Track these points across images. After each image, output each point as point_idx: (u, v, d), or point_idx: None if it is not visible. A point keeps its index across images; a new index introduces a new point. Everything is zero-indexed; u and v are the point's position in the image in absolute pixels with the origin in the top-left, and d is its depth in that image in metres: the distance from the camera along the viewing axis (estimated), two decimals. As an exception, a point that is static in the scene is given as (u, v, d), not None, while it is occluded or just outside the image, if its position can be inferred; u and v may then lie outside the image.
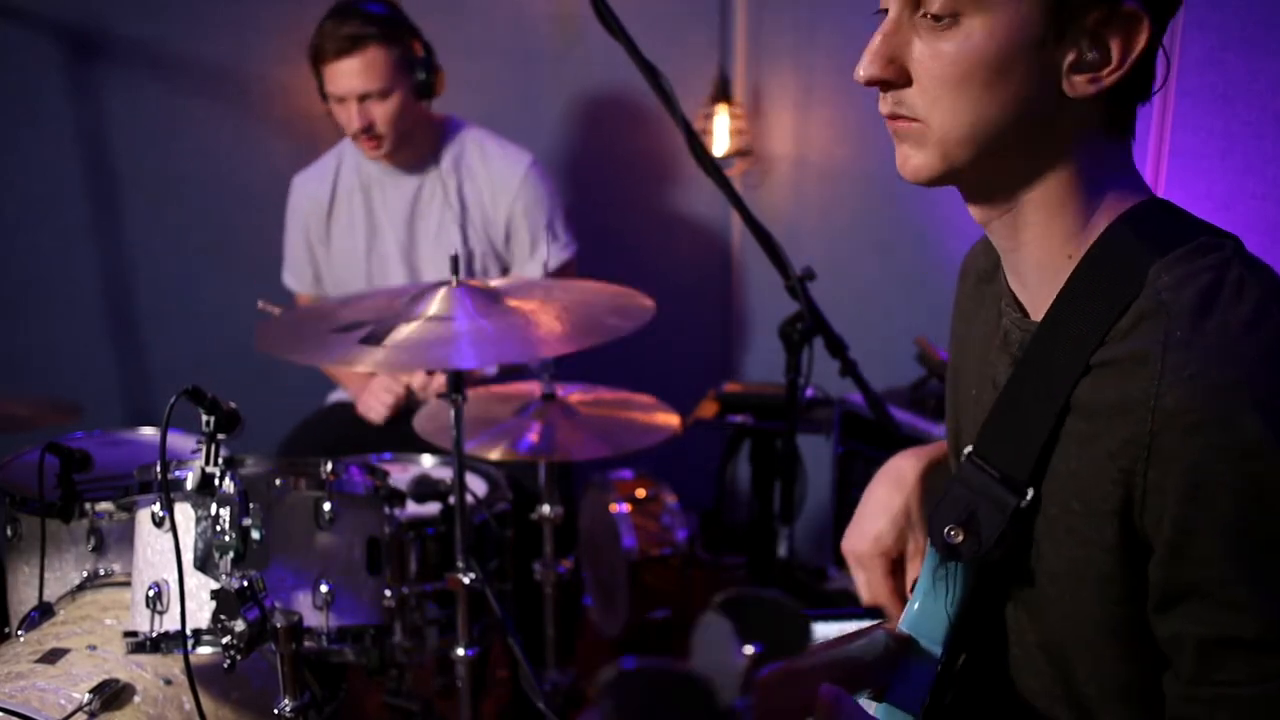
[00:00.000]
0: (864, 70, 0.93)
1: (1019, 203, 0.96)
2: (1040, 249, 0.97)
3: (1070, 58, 0.89)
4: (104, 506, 1.72)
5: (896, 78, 0.93)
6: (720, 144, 3.22)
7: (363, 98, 2.33)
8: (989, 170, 0.94)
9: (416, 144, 2.49)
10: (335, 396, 2.70)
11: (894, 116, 0.94)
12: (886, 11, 0.94)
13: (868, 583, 1.20)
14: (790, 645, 0.59)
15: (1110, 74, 0.89)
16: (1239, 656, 0.86)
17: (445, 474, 2.07)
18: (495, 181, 2.52)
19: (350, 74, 2.31)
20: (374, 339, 1.55)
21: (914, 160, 0.95)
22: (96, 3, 2.83)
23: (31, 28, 2.80)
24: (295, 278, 2.68)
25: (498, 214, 2.53)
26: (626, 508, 2.91)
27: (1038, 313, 0.98)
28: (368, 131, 2.37)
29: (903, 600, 1.19)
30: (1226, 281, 0.87)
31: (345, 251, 2.60)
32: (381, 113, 2.35)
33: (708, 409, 2.85)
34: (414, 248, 2.57)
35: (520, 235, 2.54)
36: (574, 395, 2.17)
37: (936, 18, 0.89)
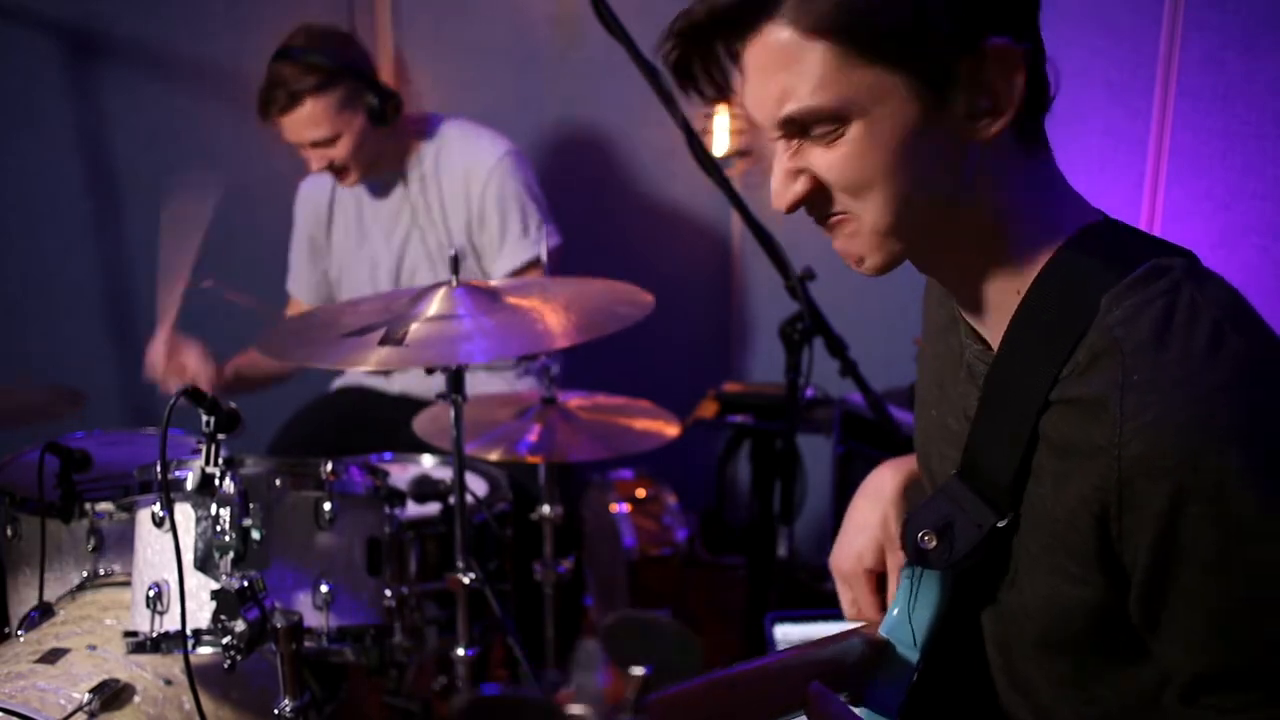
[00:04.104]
0: (781, 202, 0.94)
1: (962, 259, 0.96)
2: (990, 288, 0.96)
3: (962, 112, 0.88)
4: (104, 506, 1.71)
5: (811, 187, 0.93)
6: (720, 144, 3.21)
7: (315, 144, 2.36)
8: (930, 242, 0.94)
9: (391, 158, 2.49)
10: (338, 382, 2.71)
11: (824, 217, 0.95)
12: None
13: (853, 600, 1.21)
14: (680, 666, 0.60)
15: (1007, 110, 0.88)
16: (1224, 686, 0.86)
17: (445, 474, 2.07)
18: (469, 171, 2.49)
19: (296, 126, 2.33)
20: (392, 339, 1.54)
21: (853, 250, 0.95)
22: (96, 3, 2.83)
23: (31, 28, 2.80)
24: (297, 285, 2.68)
25: (470, 204, 2.49)
26: (626, 508, 2.92)
27: (996, 343, 0.98)
28: (331, 169, 2.40)
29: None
30: (1178, 308, 0.85)
31: (344, 256, 2.61)
32: (339, 152, 2.38)
33: (708, 409, 2.85)
34: (402, 253, 2.56)
35: (491, 223, 2.48)
36: (573, 400, 2.17)
37: (822, 136, 0.90)
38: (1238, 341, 0.84)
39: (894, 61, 0.86)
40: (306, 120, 2.32)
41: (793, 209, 0.95)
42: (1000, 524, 0.94)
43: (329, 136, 2.35)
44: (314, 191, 2.62)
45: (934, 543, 0.96)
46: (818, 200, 0.94)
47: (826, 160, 0.91)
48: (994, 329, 0.98)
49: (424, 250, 2.53)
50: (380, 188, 2.54)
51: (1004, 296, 0.96)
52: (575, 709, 0.50)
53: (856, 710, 1.01)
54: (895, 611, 1.03)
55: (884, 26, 0.85)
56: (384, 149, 2.46)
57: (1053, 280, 0.92)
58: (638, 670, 0.55)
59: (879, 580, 1.21)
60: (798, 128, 0.91)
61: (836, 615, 1.22)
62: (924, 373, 1.18)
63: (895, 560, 1.19)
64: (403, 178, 2.52)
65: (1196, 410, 0.81)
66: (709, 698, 0.90)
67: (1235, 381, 0.82)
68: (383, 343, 1.52)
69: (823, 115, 0.88)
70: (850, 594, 1.22)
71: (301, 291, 2.68)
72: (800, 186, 0.93)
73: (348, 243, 2.60)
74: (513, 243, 2.48)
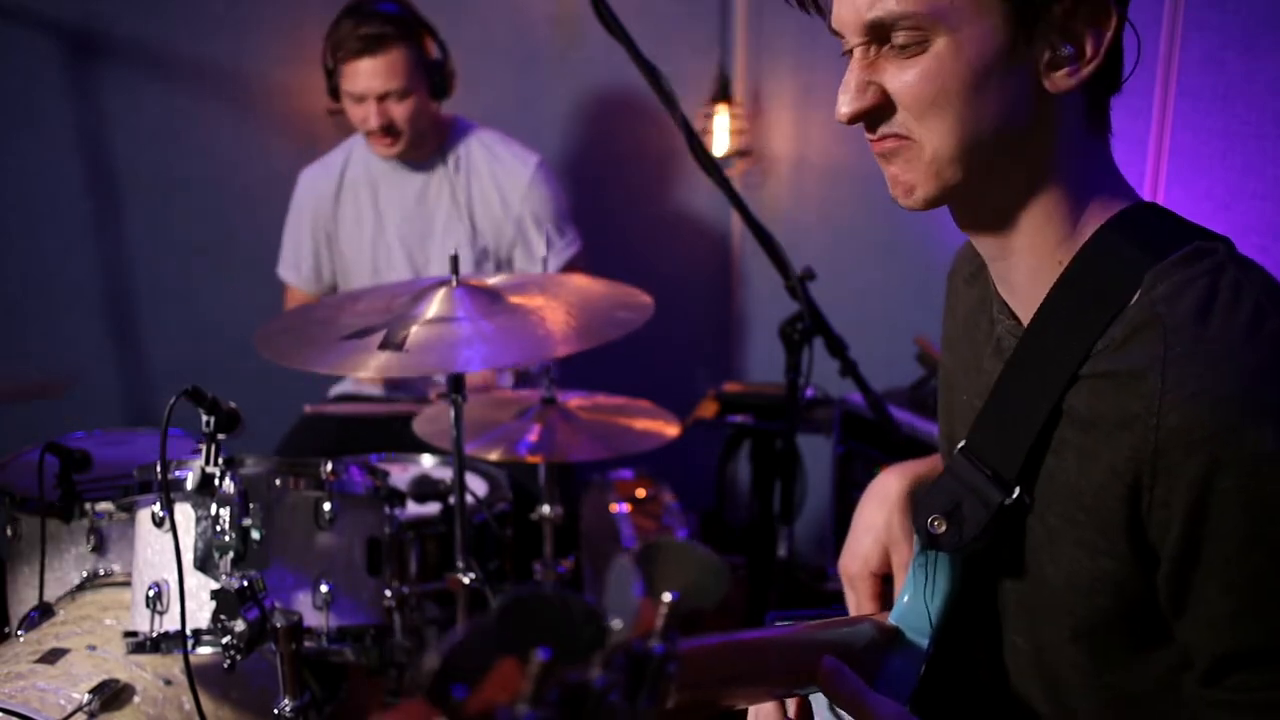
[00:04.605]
0: (846, 107, 0.92)
1: (1010, 215, 0.95)
2: (1031, 257, 0.96)
3: (1045, 56, 0.88)
4: (104, 506, 1.72)
5: (877, 101, 0.92)
6: (720, 144, 3.22)
7: (382, 97, 2.36)
8: (982, 185, 0.93)
9: (427, 142, 2.52)
10: (336, 389, 2.71)
11: (882, 137, 0.93)
12: (853, 52, 0.93)
13: (858, 604, 1.21)
14: (708, 593, 0.59)
15: (1088, 64, 0.89)
16: (1249, 665, 0.86)
17: (445, 474, 2.07)
18: (504, 182, 2.54)
19: (371, 74, 2.33)
20: (392, 344, 1.53)
21: (906, 179, 0.93)
22: (96, 3, 2.83)
23: (31, 28, 2.80)
24: (292, 271, 2.67)
25: (508, 214, 2.55)
26: (626, 508, 2.92)
27: (1029, 318, 0.98)
28: (386, 130, 2.39)
29: None
30: (1221, 288, 0.86)
31: (352, 244, 2.61)
32: (400, 112, 2.38)
33: (708, 409, 2.85)
34: (420, 243, 2.58)
35: (531, 235, 2.56)
36: (573, 400, 2.17)
37: (903, 47, 0.89)
38: (1277, 323, 0.85)
39: None
40: (386, 67, 2.32)
41: (855, 119, 0.93)
42: (1007, 501, 0.94)
43: (403, 89, 2.35)
44: (319, 180, 2.61)
45: (943, 527, 0.96)
46: (880, 116, 0.92)
47: (901, 76, 0.90)
48: (1027, 302, 0.98)
49: (450, 241, 2.54)
50: (406, 175, 2.55)
51: (1044, 268, 0.95)
52: (611, 623, 0.49)
53: None
54: (906, 599, 1.03)
55: None
56: (429, 127, 2.48)
57: (1095, 255, 0.93)
58: (666, 596, 0.54)
59: (886, 583, 1.22)
60: (881, 33, 0.89)
61: (837, 615, 1.22)
62: (948, 365, 1.17)
63: (899, 561, 1.19)
64: (437, 165, 2.54)
65: (1237, 386, 0.82)
66: (735, 657, 0.90)
67: (1273, 362, 0.83)
68: (383, 347, 1.52)
69: (911, 21, 0.87)
70: (854, 597, 1.22)
71: (299, 280, 2.67)
72: (869, 99, 0.91)
73: (359, 230, 2.59)
74: (554, 247, 2.55)
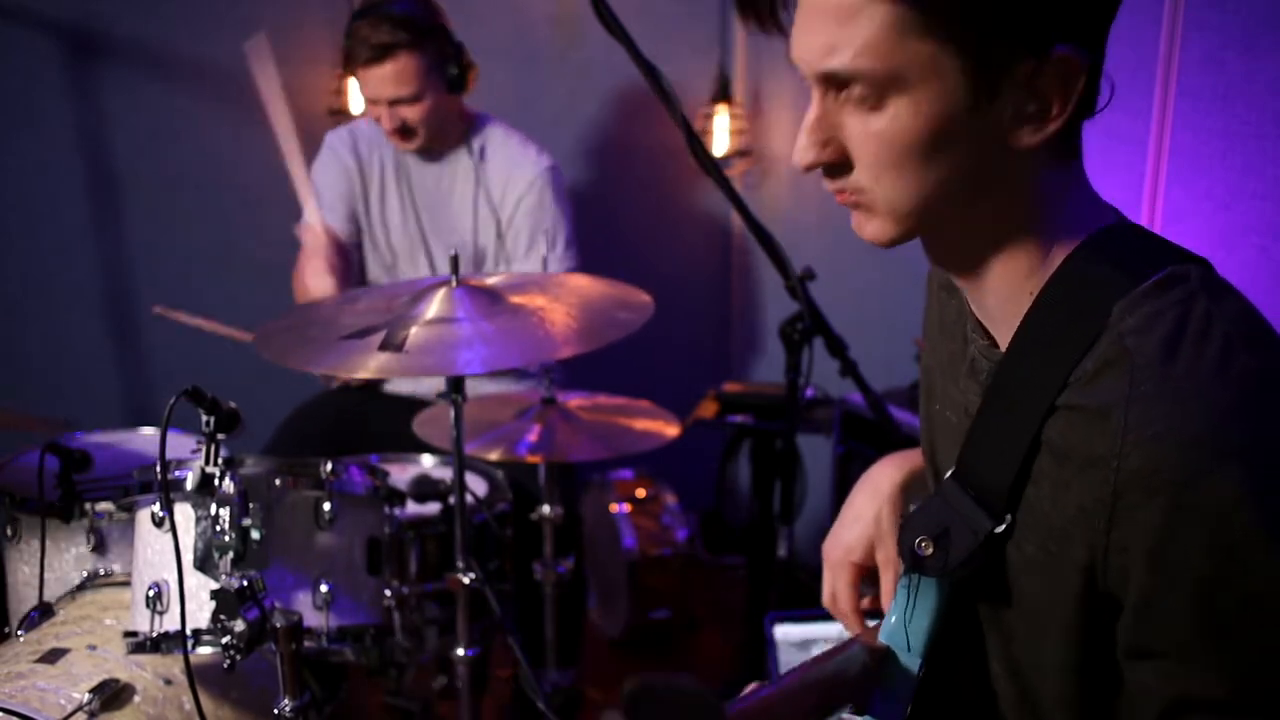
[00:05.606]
0: (800, 157, 0.90)
1: (977, 253, 0.93)
2: (1002, 285, 0.94)
3: (1008, 114, 0.85)
4: (104, 506, 1.71)
5: (835, 158, 0.89)
6: (720, 144, 3.22)
7: (394, 101, 2.36)
8: (944, 231, 0.92)
9: (448, 135, 2.52)
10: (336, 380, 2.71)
11: (838, 189, 0.92)
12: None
13: (832, 590, 1.21)
14: None
15: (1054, 121, 0.85)
16: (1201, 714, 0.84)
17: (445, 474, 2.07)
18: (509, 176, 2.52)
19: (382, 81, 2.33)
20: (392, 344, 1.53)
21: (869, 227, 0.92)
22: (96, 3, 2.83)
23: (31, 28, 2.80)
24: (328, 210, 2.53)
25: (504, 208, 2.53)
26: (626, 508, 2.92)
27: (1003, 341, 0.96)
28: (400, 131, 2.40)
29: (861, 613, 1.20)
30: (1191, 320, 0.83)
31: (378, 222, 2.61)
32: (414, 114, 2.38)
33: (708, 409, 2.86)
34: (435, 234, 2.58)
35: (520, 233, 2.53)
36: (573, 400, 2.17)
37: (861, 99, 0.86)
38: (1247, 359, 0.82)
39: (956, 42, 0.81)
40: (394, 76, 2.32)
41: (809, 169, 0.91)
42: (997, 530, 0.93)
43: (413, 94, 2.35)
44: (341, 147, 2.59)
45: (930, 549, 0.95)
46: (836, 170, 0.90)
47: (859, 132, 0.87)
48: (1002, 327, 0.96)
49: (466, 226, 2.54)
50: (426, 164, 2.54)
51: (1016, 296, 0.93)
52: None
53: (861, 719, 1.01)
54: (893, 619, 1.03)
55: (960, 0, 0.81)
56: (449, 121, 2.48)
57: (1066, 283, 0.90)
58: None
59: (870, 576, 1.22)
60: (837, 84, 0.86)
61: (801, 617, 1.22)
62: (928, 364, 1.16)
63: (885, 556, 1.19)
64: (460, 156, 2.53)
65: (1201, 428, 0.79)
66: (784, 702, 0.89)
67: (1241, 401, 0.80)
68: (383, 347, 1.52)
69: (866, 80, 0.84)
70: (830, 582, 1.22)
71: (332, 217, 2.54)
72: (827, 155, 0.89)
73: (386, 211, 2.59)
74: (539, 254, 2.51)
